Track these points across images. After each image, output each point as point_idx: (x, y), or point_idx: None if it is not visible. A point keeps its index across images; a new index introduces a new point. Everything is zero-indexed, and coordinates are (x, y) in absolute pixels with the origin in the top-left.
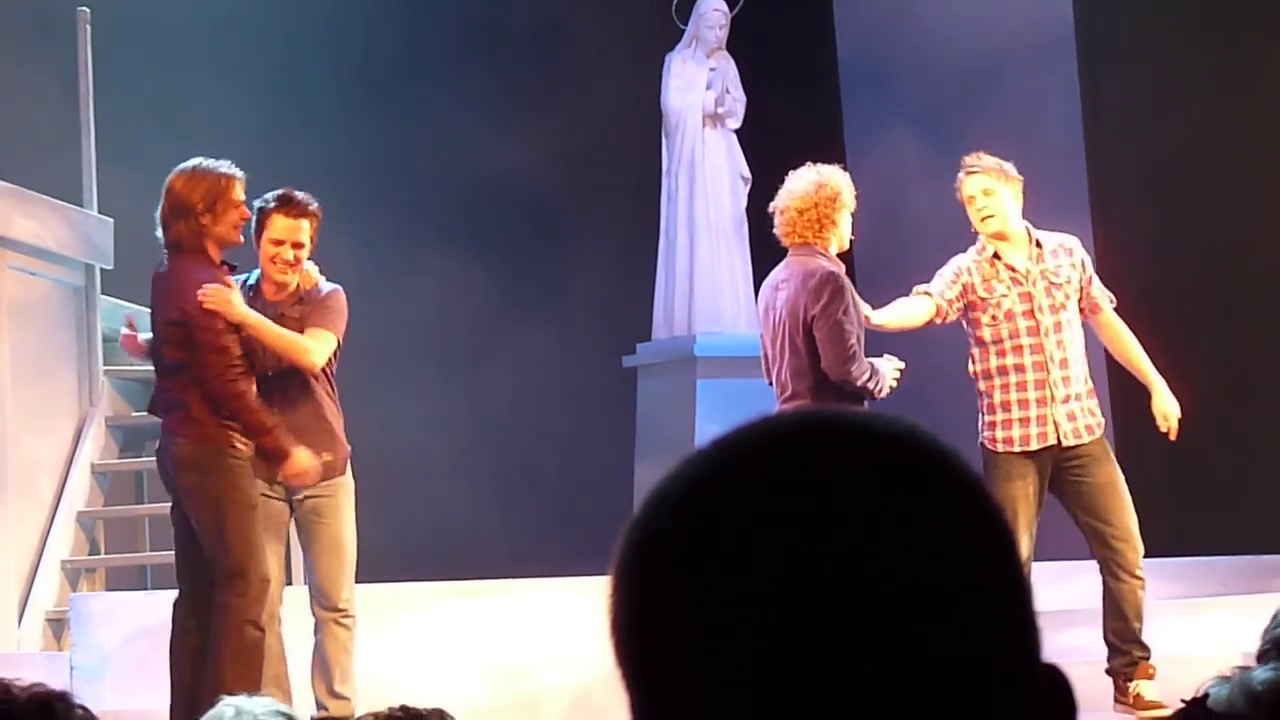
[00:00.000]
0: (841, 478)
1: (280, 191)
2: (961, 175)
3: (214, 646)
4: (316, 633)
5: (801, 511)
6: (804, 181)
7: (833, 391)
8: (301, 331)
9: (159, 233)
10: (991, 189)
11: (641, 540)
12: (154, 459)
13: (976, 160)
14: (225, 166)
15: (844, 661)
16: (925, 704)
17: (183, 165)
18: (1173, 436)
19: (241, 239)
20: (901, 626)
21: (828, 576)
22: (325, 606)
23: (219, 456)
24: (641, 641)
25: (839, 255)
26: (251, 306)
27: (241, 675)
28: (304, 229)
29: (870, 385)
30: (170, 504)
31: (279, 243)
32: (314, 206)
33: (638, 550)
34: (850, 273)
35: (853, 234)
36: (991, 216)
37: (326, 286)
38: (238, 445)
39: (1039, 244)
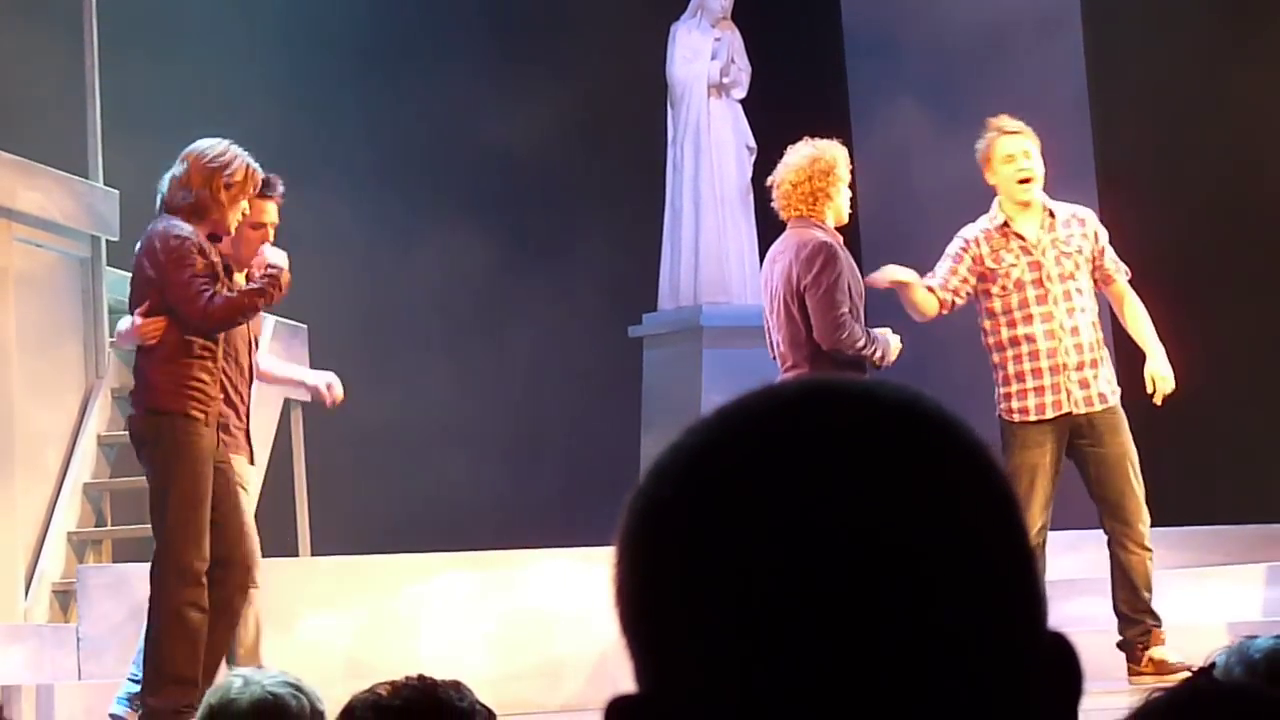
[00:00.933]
0: (844, 445)
1: (263, 173)
2: (994, 135)
3: (154, 629)
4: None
5: (803, 479)
6: (799, 155)
7: (829, 360)
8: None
9: (166, 187)
10: (1031, 151)
11: (644, 509)
12: None
13: (1013, 121)
14: (259, 168)
15: (845, 630)
16: (929, 670)
17: (227, 143)
18: (1158, 401)
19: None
20: (904, 593)
21: (829, 544)
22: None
23: (171, 429)
24: (644, 610)
25: (839, 228)
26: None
27: (186, 657)
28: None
29: (867, 353)
30: None
31: (264, 225)
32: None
33: (640, 519)
34: (855, 243)
35: (858, 204)
36: (1030, 179)
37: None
38: (193, 413)
39: (1051, 213)
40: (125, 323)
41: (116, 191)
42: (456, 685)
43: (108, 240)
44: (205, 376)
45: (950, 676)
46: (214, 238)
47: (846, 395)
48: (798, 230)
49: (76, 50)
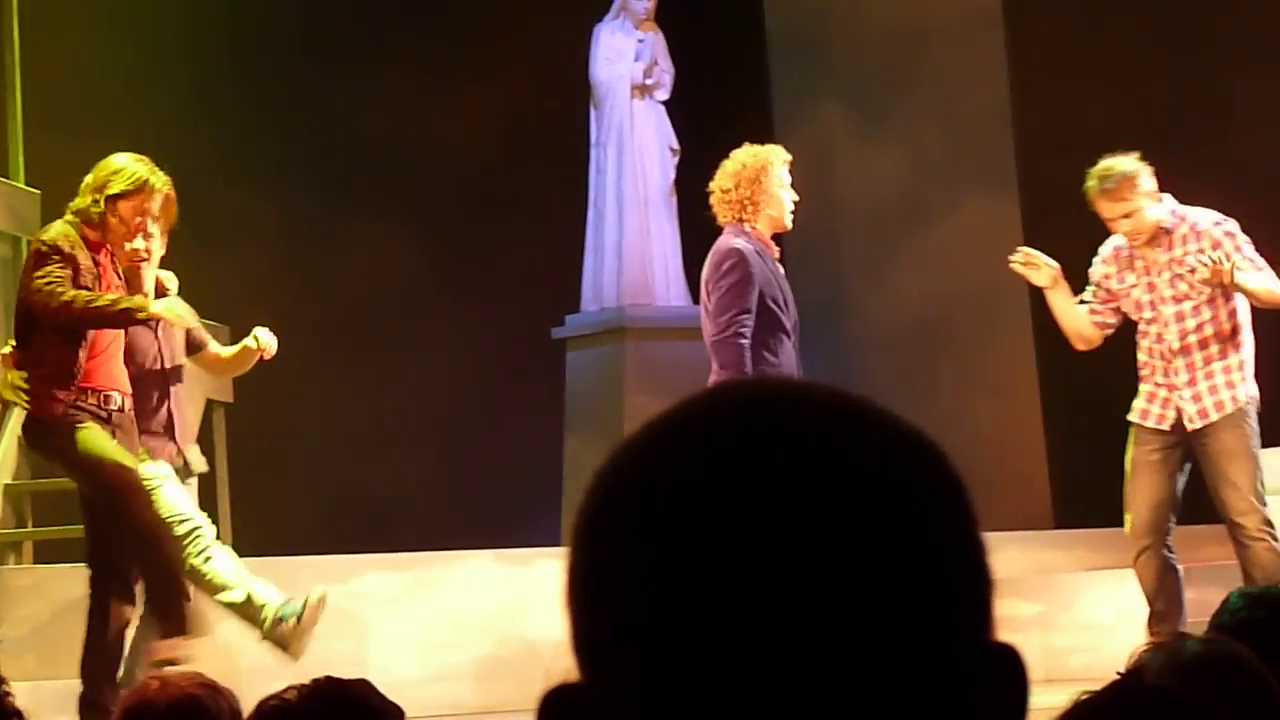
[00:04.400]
0: (790, 450)
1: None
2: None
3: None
4: None
5: (747, 486)
6: (731, 162)
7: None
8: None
9: (90, 206)
10: (1118, 208)
11: (589, 512)
12: None
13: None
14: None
15: (782, 633)
16: (866, 677)
17: (138, 164)
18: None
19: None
20: (843, 599)
21: (769, 550)
22: None
23: (59, 426)
24: (586, 606)
25: (778, 236)
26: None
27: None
28: None
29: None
30: None
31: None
32: None
33: (586, 521)
34: (780, 244)
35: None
36: (1125, 231)
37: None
38: (78, 409)
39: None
40: None
41: (38, 192)
42: (365, 684)
43: (29, 241)
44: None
45: (889, 683)
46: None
47: (795, 400)
48: (722, 236)
49: None
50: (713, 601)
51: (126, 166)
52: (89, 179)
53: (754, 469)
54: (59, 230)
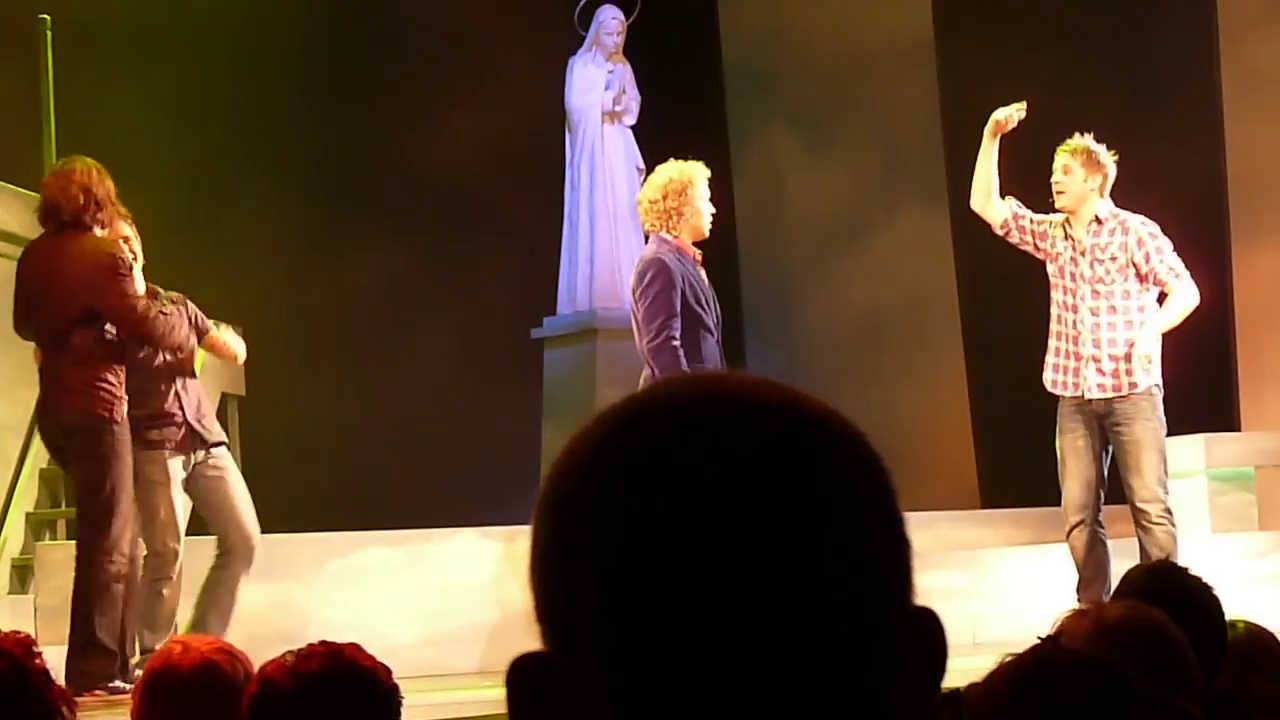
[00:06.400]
0: (733, 430)
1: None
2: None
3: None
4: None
5: (701, 464)
6: (659, 175)
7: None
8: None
9: (67, 200)
10: (1065, 166)
11: (549, 498)
12: None
13: (1074, 141)
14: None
15: (719, 601)
16: (794, 650)
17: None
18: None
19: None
20: (775, 573)
21: (723, 522)
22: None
23: (112, 430)
24: (547, 583)
25: (699, 242)
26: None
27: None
28: None
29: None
30: None
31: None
32: None
33: (545, 506)
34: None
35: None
36: (1060, 192)
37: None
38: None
39: (1099, 219)
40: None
41: None
42: (355, 647)
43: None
44: (112, 379)
45: (821, 644)
46: None
47: (728, 390)
48: (647, 246)
49: (33, 70)
50: (656, 570)
51: (103, 172)
52: (85, 188)
53: (696, 450)
54: (112, 243)
